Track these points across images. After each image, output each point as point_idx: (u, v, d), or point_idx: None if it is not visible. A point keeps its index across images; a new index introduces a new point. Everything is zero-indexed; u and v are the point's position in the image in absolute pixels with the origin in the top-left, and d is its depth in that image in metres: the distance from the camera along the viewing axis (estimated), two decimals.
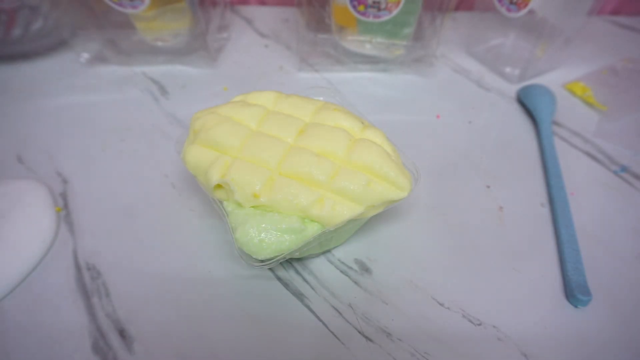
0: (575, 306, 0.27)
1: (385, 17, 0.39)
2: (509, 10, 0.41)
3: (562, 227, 0.30)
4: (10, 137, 0.37)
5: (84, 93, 0.41)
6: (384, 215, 0.29)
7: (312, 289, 0.27)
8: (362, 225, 0.29)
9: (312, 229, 0.24)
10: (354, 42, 0.43)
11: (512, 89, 0.44)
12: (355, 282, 0.28)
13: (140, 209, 0.31)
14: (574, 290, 0.27)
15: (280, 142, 0.27)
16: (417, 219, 0.31)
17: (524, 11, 0.40)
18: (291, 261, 0.28)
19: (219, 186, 0.26)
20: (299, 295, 0.27)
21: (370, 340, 0.25)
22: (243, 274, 0.28)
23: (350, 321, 0.26)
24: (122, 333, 0.25)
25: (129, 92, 0.42)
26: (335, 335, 0.25)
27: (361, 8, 0.39)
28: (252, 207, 0.25)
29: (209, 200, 0.29)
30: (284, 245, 0.24)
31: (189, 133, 0.29)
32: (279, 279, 0.28)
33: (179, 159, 0.28)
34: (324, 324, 0.26)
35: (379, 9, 0.38)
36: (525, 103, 0.41)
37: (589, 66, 0.47)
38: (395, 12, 0.39)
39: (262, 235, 0.24)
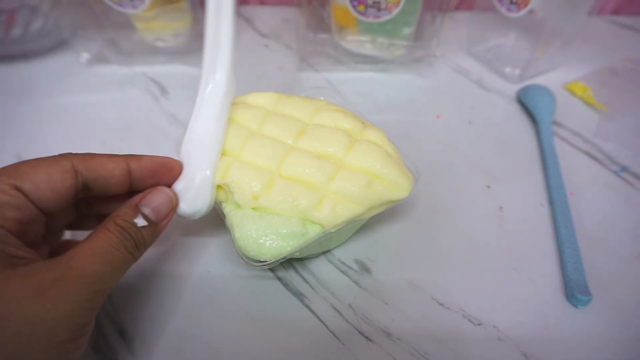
0: (575, 306, 0.27)
1: (385, 17, 0.39)
2: (509, 10, 0.41)
3: (562, 227, 0.30)
4: (10, 137, 0.37)
5: (84, 93, 0.41)
6: (384, 215, 0.29)
7: (312, 289, 0.27)
8: (362, 225, 0.29)
9: (313, 232, 0.24)
10: (354, 42, 0.43)
11: (512, 89, 0.44)
12: (355, 282, 0.28)
13: None
14: (574, 290, 0.27)
15: (281, 144, 0.27)
16: (417, 219, 0.31)
17: (524, 11, 0.40)
18: (291, 261, 0.28)
19: (218, 187, 0.26)
20: (299, 295, 0.27)
21: (370, 340, 0.25)
22: (243, 274, 0.28)
23: (350, 321, 0.26)
24: (122, 333, 0.25)
25: (129, 92, 0.42)
26: (335, 335, 0.25)
27: (361, 8, 0.39)
28: (252, 208, 0.24)
29: None
30: (284, 249, 0.24)
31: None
32: (279, 278, 0.28)
33: (179, 159, 0.27)
34: (324, 324, 0.26)
35: (379, 9, 0.38)
36: (525, 103, 0.41)
37: (589, 66, 0.47)
38: (395, 12, 0.39)
39: (262, 239, 0.24)
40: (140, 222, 0.21)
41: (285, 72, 0.45)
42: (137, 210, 0.21)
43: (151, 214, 0.22)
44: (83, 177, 0.22)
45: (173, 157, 0.25)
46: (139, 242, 0.21)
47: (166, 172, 0.24)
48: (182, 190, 0.24)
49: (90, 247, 0.19)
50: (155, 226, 0.22)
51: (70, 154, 0.22)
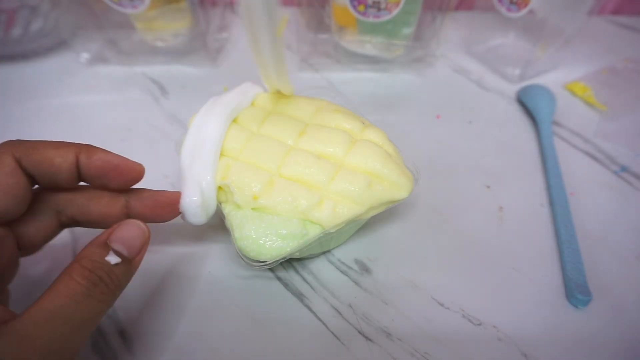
0: (575, 306, 0.27)
1: (385, 17, 0.39)
2: (509, 10, 0.41)
3: (562, 227, 0.30)
4: (9, 137, 0.36)
5: (84, 93, 0.41)
6: (384, 215, 0.29)
7: (312, 289, 0.27)
8: (362, 226, 0.29)
9: (314, 232, 0.24)
10: (354, 42, 0.43)
11: (512, 89, 0.44)
12: (355, 282, 0.28)
13: None
14: (574, 290, 0.27)
15: (281, 144, 0.27)
16: (417, 219, 0.31)
17: (524, 11, 0.40)
18: (291, 261, 0.28)
19: (219, 188, 0.26)
20: (299, 295, 0.27)
21: (370, 340, 0.25)
22: (243, 274, 0.28)
23: (350, 321, 0.26)
24: (122, 333, 0.25)
25: (129, 92, 0.42)
26: (335, 335, 0.25)
27: (361, 8, 0.39)
28: (252, 209, 0.24)
29: None
30: (284, 249, 0.24)
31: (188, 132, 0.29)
32: (279, 279, 0.28)
33: (179, 159, 0.28)
34: (324, 324, 0.26)
35: (379, 9, 0.38)
36: (525, 103, 0.41)
37: (589, 66, 0.47)
38: (395, 12, 0.39)
39: (262, 240, 0.23)
40: (113, 259, 0.18)
41: None
42: (107, 247, 0.19)
43: (123, 249, 0.19)
44: (28, 172, 0.20)
45: (172, 157, 0.25)
46: (111, 285, 0.18)
47: (117, 176, 0.22)
48: (193, 203, 0.24)
49: (48, 306, 0.16)
50: (129, 263, 0.19)
51: (11, 144, 0.20)
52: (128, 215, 0.22)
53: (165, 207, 0.24)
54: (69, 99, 0.41)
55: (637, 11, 0.56)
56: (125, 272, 0.19)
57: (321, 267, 0.28)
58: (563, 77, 0.45)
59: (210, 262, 0.28)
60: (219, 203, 0.26)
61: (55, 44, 0.45)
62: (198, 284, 0.27)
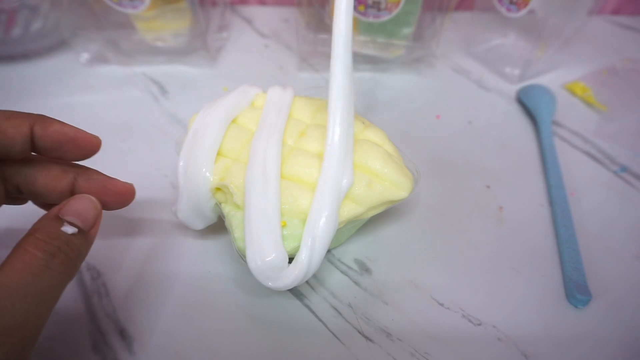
0: (575, 306, 0.27)
1: (385, 17, 0.39)
2: (509, 10, 0.41)
3: (562, 227, 0.30)
4: None
5: (84, 93, 0.41)
6: (384, 215, 0.29)
7: (312, 289, 0.27)
8: (362, 225, 0.29)
9: None
10: (354, 42, 0.43)
11: (512, 89, 0.44)
12: (355, 282, 0.28)
13: (139, 209, 0.31)
14: (574, 290, 0.27)
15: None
16: (417, 219, 0.31)
17: (524, 11, 0.40)
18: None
19: (218, 189, 0.26)
20: (299, 295, 0.27)
21: (370, 340, 0.25)
22: (243, 274, 0.28)
23: (350, 321, 0.26)
24: (122, 333, 0.25)
25: (129, 92, 0.42)
26: (335, 335, 0.25)
27: (361, 8, 0.39)
28: None
29: None
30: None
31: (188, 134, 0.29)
32: None
33: (178, 160, 0.28)
34: (324, 324, 0.26)
35: (379, 9, 0.38)
36: (525, 103, 0.41)
37: (589, 66, 0.47)
38: (395, 12, 0.39)
39: None
40: (70, 229, 0.18)
41: (285, 72, 0.45)
42: (60, 220, 0.18)
43: (77, 221, 0.18)
44: None
45: (172, 157, 0.25)
46: (72, 255, 0.17)
47: (73, 148, 0.21)
48: (188, 211, 0.25)
49: (4, 281, 0.15)
50: (85, 234, 0.19)
51: None
52: (73, 193, 0.21)
53: (111, 196, 0.23)
54: (69, 99, 0.41)
55: (637, 11, 0.56)
56: (83, 243, 0.19)
57: (321, 267, 0.28)
58: (563, 77, 0.45)
59: (210, 262, 0.28)
60: (219, 203, 0.26)
61: (55, 44, 0.45)
62: (198, 284, 0.27)
